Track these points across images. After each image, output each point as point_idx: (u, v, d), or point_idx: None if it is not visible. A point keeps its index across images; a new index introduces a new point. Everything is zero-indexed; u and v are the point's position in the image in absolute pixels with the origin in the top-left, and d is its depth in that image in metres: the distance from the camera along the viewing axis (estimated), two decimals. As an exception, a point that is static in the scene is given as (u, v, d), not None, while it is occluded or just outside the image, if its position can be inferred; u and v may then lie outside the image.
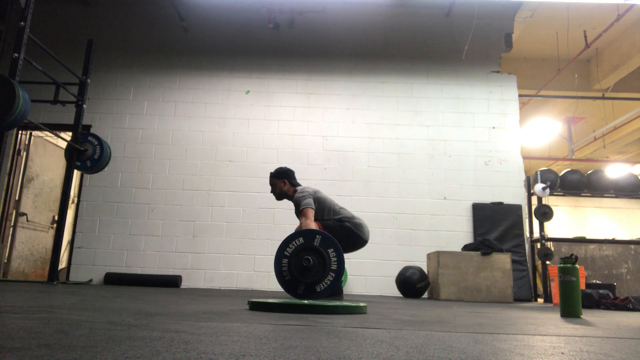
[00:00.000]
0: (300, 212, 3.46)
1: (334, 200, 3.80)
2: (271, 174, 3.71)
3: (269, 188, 6.33)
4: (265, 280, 6.08)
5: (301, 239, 2.68)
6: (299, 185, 3.77)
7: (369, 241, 6.25)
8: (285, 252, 2.70)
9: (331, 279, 2.63)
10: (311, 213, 3.41)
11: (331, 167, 6.47)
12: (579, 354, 1.01)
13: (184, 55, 6.91)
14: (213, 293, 4.22)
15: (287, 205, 6.33)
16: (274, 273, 6.10)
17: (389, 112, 6.70)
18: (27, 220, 6.35)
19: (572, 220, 12.00)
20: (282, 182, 3.68)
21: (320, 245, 2.65)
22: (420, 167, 6.49)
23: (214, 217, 6.28)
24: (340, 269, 2.63)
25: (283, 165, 6.38)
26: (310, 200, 3.48)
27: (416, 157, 6.53)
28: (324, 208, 3.63)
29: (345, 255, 6.09)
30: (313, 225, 3.36)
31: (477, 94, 6.79)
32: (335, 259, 2.64)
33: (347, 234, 3.55)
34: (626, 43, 7.53)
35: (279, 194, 3.70)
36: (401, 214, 6.31)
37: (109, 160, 5.35)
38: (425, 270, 5.57)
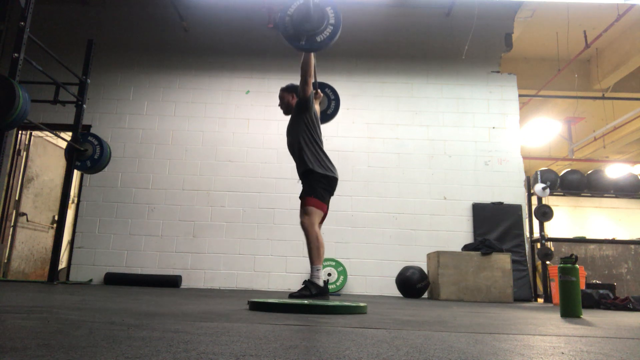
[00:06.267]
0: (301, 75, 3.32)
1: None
2: (282, 87, 3.72)
3: (269, 188, 6.42)
4: (265, 280, 6.08)
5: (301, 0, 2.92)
6: None
7: (370, 241, 6.34)
8: (288, 12, 2.92)
9: (330, 30, 2.88)
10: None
11: (331, 167, 6.46)
12: (579, 354, 1.01)
13: (184, 55, 6.90)
14: (213, 293, 4.22)
15: (287, 205, 6.37)
16: (274, 273, 6.15)
17: (389, 112, 6.69)
18: (27, 220, 6.35)
19: (572, 220, 11.99)
20: (291, 96, 3.67)
21: (321, 2, 2.89)
22: (420, 167, 6.49)
23: (214, 217, 6.28)
24: (338, 22, 2.89)
25: (283, 165, 6.40)
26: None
27: (416, 157, 6.53)
28: (315, 122, 3.49)
29: (346, 256, 6.11)
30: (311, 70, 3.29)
31: (477, 94, 6.79)
32: (333, 14, 2.90)
33: (330, 186, 3.43)
34: (626, 43, 7.52)
35: (287, 107, 3.70)
36: (401, 214, 6.31)
37: (109, 160, 5.35)
38: (425, 270, 5.56)
